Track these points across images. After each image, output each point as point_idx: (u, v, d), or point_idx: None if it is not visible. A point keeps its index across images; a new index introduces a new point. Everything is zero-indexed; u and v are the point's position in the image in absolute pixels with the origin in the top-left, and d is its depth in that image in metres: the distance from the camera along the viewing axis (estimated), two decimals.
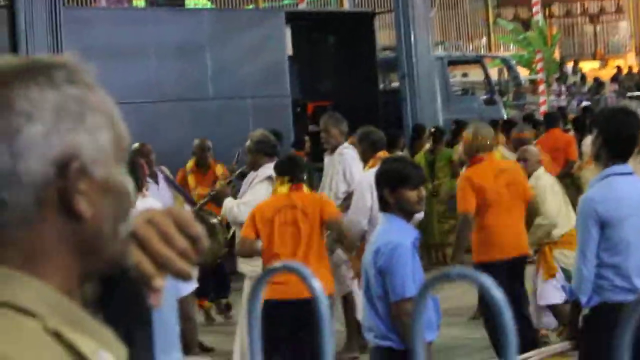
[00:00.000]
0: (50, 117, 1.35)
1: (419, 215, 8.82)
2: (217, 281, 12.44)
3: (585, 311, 7.23)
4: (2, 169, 1.31)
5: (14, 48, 14.90)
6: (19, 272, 1.35)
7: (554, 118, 17.58)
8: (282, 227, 9.16)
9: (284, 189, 9.40)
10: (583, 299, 7.10)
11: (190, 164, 13.48)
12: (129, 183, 1.54)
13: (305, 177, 10.15)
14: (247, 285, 10.28)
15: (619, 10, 53.52)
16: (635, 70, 39.91)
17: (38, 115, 1.34)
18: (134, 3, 32.75)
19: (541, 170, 11.90)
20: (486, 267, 9.84)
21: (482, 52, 32.01)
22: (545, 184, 11.56)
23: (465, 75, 25.46)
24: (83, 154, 1.37)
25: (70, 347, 1.33)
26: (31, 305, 1.32)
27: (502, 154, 14.34)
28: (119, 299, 1.59)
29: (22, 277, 1.35)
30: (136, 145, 11.94)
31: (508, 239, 10.50)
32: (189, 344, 7.48)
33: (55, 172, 1.35)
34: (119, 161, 1.49)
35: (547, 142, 15.87)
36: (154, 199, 9.87)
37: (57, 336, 1.31)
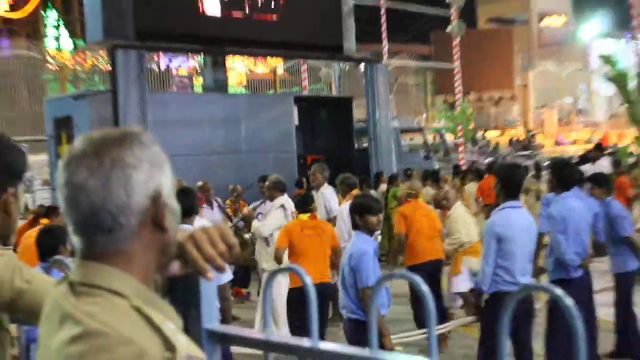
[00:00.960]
0: (147, 167, 1.87)
1: (377, 232, 9.65)
2: (242, 275, 13.25)
3: (486, 296, 8.19)
4: (120, 203, 1.80)
5: (115, 121, 16.47)
6: (117, 269, 1.85)
7: (490, 168, 18.10)
8: (307, 238, 9.87)
9: (304, 216, 10.15)
10: (485, 288, 8.07)
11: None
12: (177, 207, 2.03)
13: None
14: (264, 277, 11.23)
15: (512, 98, 62.73)
16: (522, 138, 44.62)
17: (140, 166, 1.85)
18: (195, 90, 36.22)
19: (457, 204, 12.75)
20: (415, 267, 11.18)
21: (423, 124, 32.88)
22: (458, 214, 12.44)
23: (411, 139, 27.13)
24: (164, 190, 1.92)
25: (147, 318, 1.78)
26: (122, 290, 1.81)
27: (427, 193, 15.63)
28: (180, 287, 2.11)
29: (119, 272, 1.84)
30: (200, 183, 13.10)
31: (427, 249, 11.43)
32: (225, 317, 7.72)
33: (151, 203, 1.88)
34: (173, 192, 2.01)
35: (486, 183, 16.20)
36: (207, 220, 10.15)
37: (138, 310, 1.79)
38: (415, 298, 11.13)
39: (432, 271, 11.27)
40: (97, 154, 1.80)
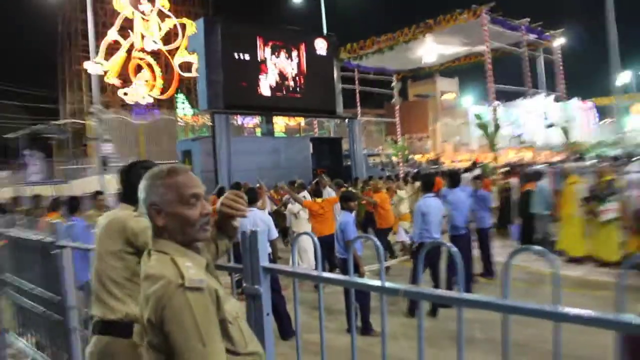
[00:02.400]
0: (145, 190, 1.85)
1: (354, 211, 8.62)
2: (283, 234, 12.71)
3: (415, 245, 7.92)
4: (152, 203, 1.83)
5: (214, 153, 16.66)
6: (163, 240, 1.84)
7: (417, 175, 18.44)
8: (320, 209, 9.55)
9: (319, 199, 9.90)
10: (416, 239, 7.78)
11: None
12: (190, 212, 1.85)
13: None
14: (294, 236, 10.93)
15: (428, 137, 59.96)
16: (433, 158, 43.53)
17: (143, 190, 1.85)
18: (257, 134, 36.15)
19: (401, 191, 12.70)
20: (382, 230, 11.03)
21: (380, 151, 33.35)
22: (402, 196, 12.31)
23: (374, 160, 26.56)
24: (156, 202, 1.82)
25: (175, 263, 1.75)
26: (167, 250, 1.81)
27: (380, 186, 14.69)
28: (246, 242, 2.05)
29: (164, 241, 1.84)
30: (258, 184, 11.46)
31: (389, 219, 11.13)
32: (274, 258, 7.30)
33: (150, 207, 1.83)
34: (185, 204, 1.84)
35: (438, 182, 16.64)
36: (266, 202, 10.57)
37: (173, 261, 1.76)
38: (382, 242, 10.95)
39: (387, 231, 11.20)
40: (146, 177, 1.87)
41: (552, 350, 1.39)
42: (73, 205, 7.42)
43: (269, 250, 7.03)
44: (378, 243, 1.73)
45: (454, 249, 1.55)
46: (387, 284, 1.58)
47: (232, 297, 2.03)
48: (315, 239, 2.12)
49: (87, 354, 2.66)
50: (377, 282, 1.64)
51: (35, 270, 3.63)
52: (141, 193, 1.87)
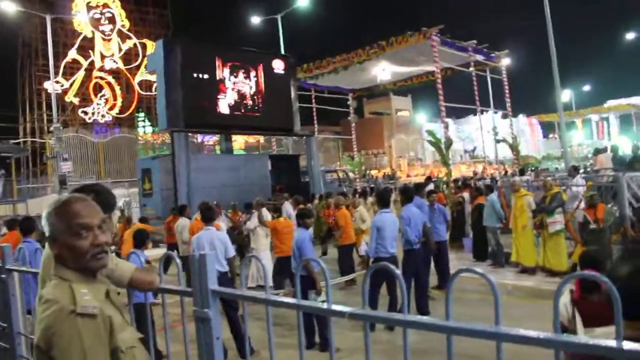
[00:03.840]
0: (44, 218, 1.87)
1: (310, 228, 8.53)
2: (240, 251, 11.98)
3: (372, 259, 7.96)
4: (48, 233, 1.84)
5: (174, 170, 16.45)
6: (61, 266, 1.82)
7: (372, 190, 18.48)
8: (285, 228, 9.49)
9: (281, 219, 9.99)
10: (372, 254, 7.87)
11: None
12: (79, 243, 1.80)
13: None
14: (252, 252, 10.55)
15: (384, 153, 60.21)
16: (390, 173, 43.23)
17: (47, 217, 1.85)
18: (216, 152, 35.89)
19: (361, 206, 12.51)
20: (345, 247, 10.95)
21: (337, 166, 32.66)
22: (363, 211, 12.05)
23: (331, 176, 25.93)
24: (53, 233, 1.82)
25: (71, 288, 1.73)
26: (66, 277, 1.78)
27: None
28: (192, 269, 1.98)
29: (63, 268, 1.81)
30: (215, 202, 12.23)
31: (351, 236, 11.00)
32: (232, 275, 7.31)
33: (49, 238, 1.84)
34: (73, 234, 1.79)
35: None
36: (221, 221, 10.80)
37: (70, 287, 1.73)
38: (339, 259, 10.98)
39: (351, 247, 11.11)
40: (48, 207, 1.87)
41: None
42: (26, 226, 7.11)
43: (227, 268, 7.03)
44: (324, 265, 1.69)
45: (397, 272, 1.52)
46: (334, 307, 1.54)
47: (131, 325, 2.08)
48: (263, 261, 2.07)
49: None
50: (324, 305, 1.60)
51: None
52: (47, 220, 1.85)
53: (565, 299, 3.54)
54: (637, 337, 1.35)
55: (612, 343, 1.14)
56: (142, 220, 12.63)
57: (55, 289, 1.76)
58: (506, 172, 29.08)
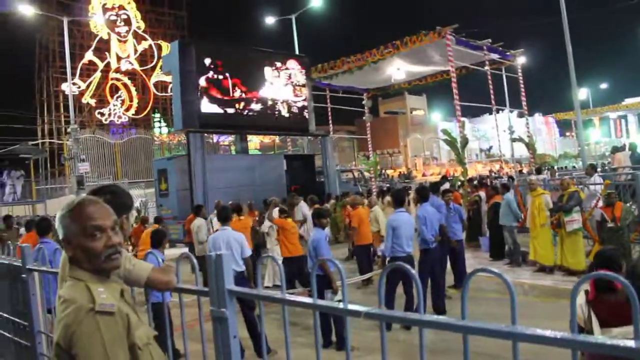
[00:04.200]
0: (57, 221, 1.89)
1: (327, 228, 8.50)
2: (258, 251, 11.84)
3: (388, 259, 7.82)
4: (62, 236, 1.86)
5: (189, 171, 16.35)
6: (77, 268, 1.85)
7: (389, 190, 18.52)
8: (291, 230, 9.60)
9: (289, 220, 9.97)
10: (388, 254, 7.77)
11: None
12: (92, 244, 1.84)
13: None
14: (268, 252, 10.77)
15: (399, 152, 60.91)
16: (405, 172, 43.90)
17: (60, 220, 1.87)
18: (232, 152, 36.06)
19: (376, 206, 12.33)
20: (361, 247, 10.76)
21: (353, 166, 32.97)
22: (378, 212, 11.86)
23: (347, 175, 26.45)
24: (65, 234, 1.86)
25: (88, 288, 1.77)
26: (81, 277, 1.81)
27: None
28: (211, 268, 1.99)
29: (78, 269, 1.84)
30: (230, 202, 11.83)
31: (367, 236, 10.83)
32: (249, 274, 7.15)
33: (63, 240, 1.87)
34: (87, 236, 1.83)
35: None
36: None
37: (87, 287, 1.78)
38: (356, 259, 10.98)
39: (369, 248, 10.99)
40: (61, 210, 1.90)
41: None
42: (43, 226, 7.15)
43: (243, 268, 7.05)
44: (340, 265, 1.70)
45: (412, 272, 1.52)
46: (350, 307, 1.55)
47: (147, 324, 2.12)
48: (279, 261, 2.08)
49: None
50: (340, 305, 1.60)
51: (3, 295, 3.52)
52: (60, 223, 1.89)
53: (580, 300, 3.53)
54: None
55: (631, 343, 1.13)
56: (157, 220, 12.70)
57: (71, 289, 1.80)
58: (521, 171, 28.88)
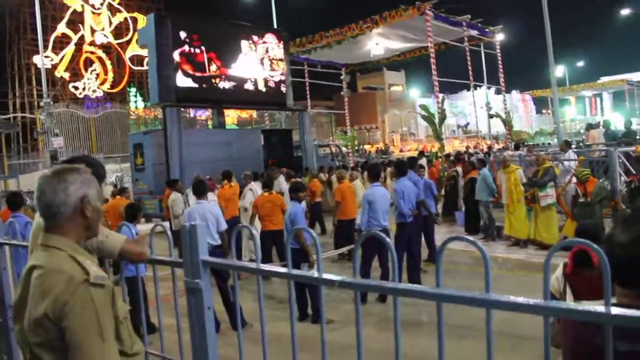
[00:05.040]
0: (79, 183, 1.85)
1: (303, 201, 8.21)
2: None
3: (364, 233, 7.18)
4: (61, 200, 1.81)
5: (166, 146, 16.20)
6: (61, 237, 1.83)
7: (365, 165, 18.47)
8: (266, 205, 9.27)
9: (266, 194, 9.60)
10: (364, 227, 7.80)
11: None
12: (102, 209, 1.95)
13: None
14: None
15: (377, 128, 60.57)
16: (383, 148, 43.77)
17: (74, 182, 1.84)
18: (209, 127, 35.60)
19: (357, 181, 12.05)
20: (342, 221, 10.47)
21: (330, 141, 32.29)
22: (358, 186, 11.59)
23: (324, 150, 26.16)
24: (89, 195, 1.86)
25: (75, 259, 1.78)
26: (60, 246, 1.80)
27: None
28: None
29: (62, 238, 1.82)
30: (208, 176, 12.88)
31: (351, 210, 10.54)
32: (225, 247, 7.09)
33: (79, 201, 1.84)
34: (98, 199, 1.92)
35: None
36: (213, 195, 10.80)
37: (70, 256, 1.79)
38: (336, 233, 10.81)
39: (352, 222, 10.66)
40: (53, 176, 1.84)
41: (485, 335, 1.38)
42: (14, 201, 7.07)
43: (219, 242, 7.03)
44: (316, 236, 1.70)
45: (387, 241, 1.51)
46: (324, 276, 1.54)
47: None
48: (254, 231, 2.07)
49: None
50: (314, 274, 1.60)
51: None
52: (71, 186, 1.84)
53: (558, 272, 3.57)
54: (631, 305, 1.36)
55: (601, 308, 1.14)
56: (121, 190, 12.22)
57: (54, 259, 1.78)
58: (490, 147, 29.15)
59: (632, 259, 1.40)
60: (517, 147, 17.25)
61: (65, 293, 1.67)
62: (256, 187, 11.14)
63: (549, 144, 30.75)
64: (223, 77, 18.81)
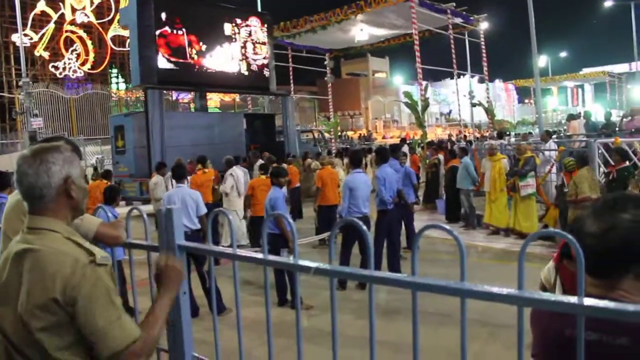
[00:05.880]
0: (61, 163, 1.81)
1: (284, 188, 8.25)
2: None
3: (344, 220, 7.42)
4: (44, 182, 1.77)
5: (147, 128, 16.13)
6: (51, 218, 1.80)
7: (346, 151, 18.28)
8: (262, 187, 9.19)
9: (263, 177, 9.77)
10: (344, 214, 7.89)
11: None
12: (86, 186, 1.95)
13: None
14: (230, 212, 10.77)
15: (360, 114, 60.49)
16: (365, 134, 43.83)
17: (56, 162, 1.80)
18: (191, 110, 35.28)
19: (338, 167, 12.42)
20: (322, 207, 10.51)
21: (313, 127, 32.12)
22: (339, 172, 11.83)
23: (307, 136, 25.79)
24: (73, 175, 1.83)
25: (74, 241, 1.78)
26: (54, 228, 1.78)
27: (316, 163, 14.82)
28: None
29: (50, 219, 1.80)
30: (189, 160, 12.69)
31: (332, 197, 10.51)
32: (204, 232, 6.96)
33: (63, 182, 1.81)
34: (81, 177, 1.90)
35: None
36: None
37: (68, 238, 1.78)
38: (318, 219, 10.83)
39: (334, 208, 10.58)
40: (33, 156, 1.79)
41: (460, 323, 1.38)
42: (1, 182, 6.73)
43: (199, 226, 7.02)
44: (292, 222, 1.69)
45: (364, 229, 1.51)
46: (300, 262, 1.53)
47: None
48: (230, 216, 2.05)
49: None
50: (290, 260, 1.59)
51: None
52: (53, 167, 1.80)
53: (550, 263, 3.56)
54: (602, 296, 1.36)
55: (573, 299, 1.15)
56: (105, 174, 12.08)
57: (51, 241, 1.75)
58: (465, 136, 29.36)
59: (603, 249, 1.40)
60: (500, 136, 17.34)
61: (74, 276, 1.66)
62: (237, 171, 11.04)
63: (530, 133, 30.98)
64: (204, 59, 18.63)
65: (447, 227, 1.40)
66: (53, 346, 1.68)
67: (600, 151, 10.62)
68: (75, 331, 1.69)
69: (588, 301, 1.13)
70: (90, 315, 1.66)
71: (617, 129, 15.42)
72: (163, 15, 17.22)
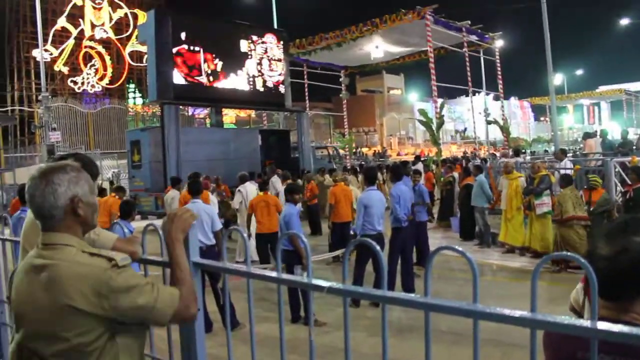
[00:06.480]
0: (66, 184, 1.85)
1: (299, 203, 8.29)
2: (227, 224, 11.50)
3: (358, 237, 7.18)
4: (51, 203, 1.83)
5: (163, 143, 16.21)
6: (65, 234, 1.84)
7: (361, 168, 18.15)
8: (261, 205, 9.36)
9: (261, 194, 9.84)
10: (359, 232, 7.69)
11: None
12: (96, 201, 1.99)
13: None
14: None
15: (375, 131, 60.31)
16: (380, 151, 43.57)
17: (62, 184, 1.84)
18: (207, 125, 35.68)
19: (354, 186, 12.42)
20: (336, 224, 10.54)
21: (328, 143, 32.32)
22: (357, 192, 11.57)
23: (322, 152, 25.87)
24: (79, 194, 1.87)
25: (91, 253, 1.81)
26: (69, 243, 1.82)
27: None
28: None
29: (66, 235, 1.84)
30: (203, 175, 12.29)
31: (345, 214, 10.53)
32: (219, 248, 6.95)
33: (70, 202, 1.85)
34: (93, 193, 1.95)
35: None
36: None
37: (83, 251, 1.81)
38: (332, 237, 10.83)
39: (347, 225, 10.48)
40: (40, 178, 1.85)
41: (473, 344, 1.37)
42: (24, 195, 6.83)
43: (213, 241, 7.04)
44: (305, 240, 1.69)
45: (377, 249, 1.51)
46: (314, 281, 1.54)
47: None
48: (245, 234, 2.07)
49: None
50: (304, 279, 1.60)
51: None
52: (59, 188, 1.85)
53: (580, 285, 3.51)
54: (615, 319, 1.36)
55: (587, 323, 1.14)
56: (118, 189, 12.19)
57: (68, 255, 1.79)
58: (474, 153, 29.20)
59: (615, 271, 1.40)
60: (517, 153, 17.24)
61: (99, 280, 1.72)
62: (249, 187, 11.08)
63: (546, 151, 30.81)
64: (220, 76, 18.80)
65: (460, 248, 1.40)
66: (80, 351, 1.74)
67: (617, 170, 10.51)
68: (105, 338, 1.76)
69: (601, 325, 1.12)
70: (137, 308, 1.75)
71: (634, 147, 15.25)
72: (182, 32, 17.44)
